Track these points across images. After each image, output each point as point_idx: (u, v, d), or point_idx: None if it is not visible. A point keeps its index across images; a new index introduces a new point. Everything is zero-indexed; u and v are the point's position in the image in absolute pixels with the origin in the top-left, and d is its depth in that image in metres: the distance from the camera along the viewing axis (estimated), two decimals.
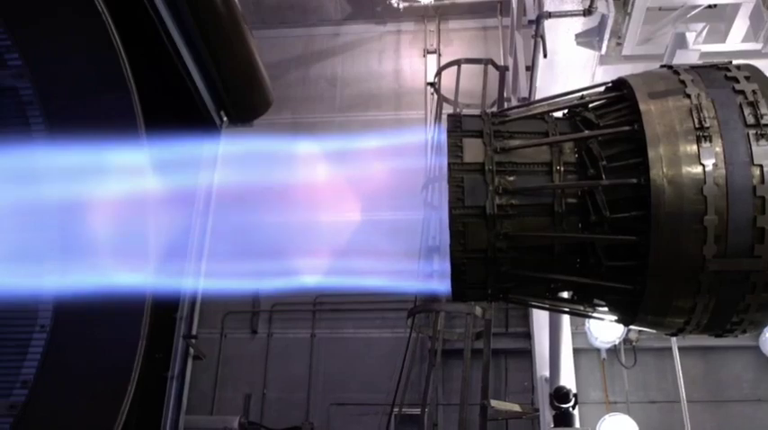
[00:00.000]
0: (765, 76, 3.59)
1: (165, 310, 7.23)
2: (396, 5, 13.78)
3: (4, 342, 6.20)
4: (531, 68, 8.44)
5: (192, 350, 7.48)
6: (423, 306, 9.02)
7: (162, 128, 6.38)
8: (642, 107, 3.48)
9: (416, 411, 9.22)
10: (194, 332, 7.56)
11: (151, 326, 6.14)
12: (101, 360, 6.03)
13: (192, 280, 7.56)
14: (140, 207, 6.16)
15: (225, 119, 8.09)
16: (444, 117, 3.87)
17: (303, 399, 11.56)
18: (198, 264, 7.57)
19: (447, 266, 3.71)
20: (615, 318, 3.88)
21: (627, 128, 3.48)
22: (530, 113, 3.92)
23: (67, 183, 5.99)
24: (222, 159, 8.01)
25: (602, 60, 7.85)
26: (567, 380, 8.63)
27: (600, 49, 7.63)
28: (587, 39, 7.75)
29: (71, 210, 6.02)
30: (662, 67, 3.84)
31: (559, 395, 8.30)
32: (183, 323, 7.44)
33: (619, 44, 7.58)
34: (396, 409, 9.20)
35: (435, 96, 10.75)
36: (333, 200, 11.27)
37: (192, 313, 7.58)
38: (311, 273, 10.73)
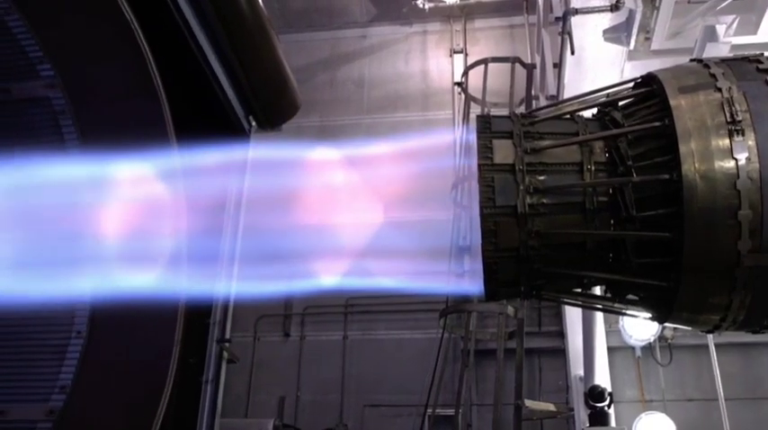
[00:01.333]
0: None
1: (198, 315, 7.29)
2: (421, 6, 13.79)
3: (42, 348, 6.28)
4: (558, 66, 8.40)
5: (225, 354, 7.52)
6: (454, 306, 9.00)
7: (192, 134, 6.43)
8: (672, 102, 3.44)
9: (450, 412, 9.20)
10: (228, 336, 7.60)
11: (185, 331, 6.19)
12: (136, 365, 6.09)
13: (225, 284, 7.60)
14: (172, 213, 6.22)
15: (253, 124, 8.14)
16: (473, 117, 3.86)
17: (337, 401, 11.60)
18: (230, 269, 7.62)
19: (478, 266, 3.70)
20: (649, 315, 3.85)
21: (657, 124, 3.45)
22: (559, 113, 3.90)
23: (101, 190, 6.07)
24: (252, 164, 8.05)
25: (631, 56, 7.78)
26: (602, 378, 8.57)
27: (628, 44, 7.57)
28: (615, 34, 7.69)
29: (105, 217, 6.09)
30: (692, 60, 3.80)
31: (594, 394, 8.24)
32: (216, 327, 7.48)
33: (647, 39, 7.50)
34: (429, 410, 9.19)
35: (463, 96, 10.72)
36: (362, 201, 11.29)
37: (225, 317, 7.62)
38: (342, 276, 10.76)
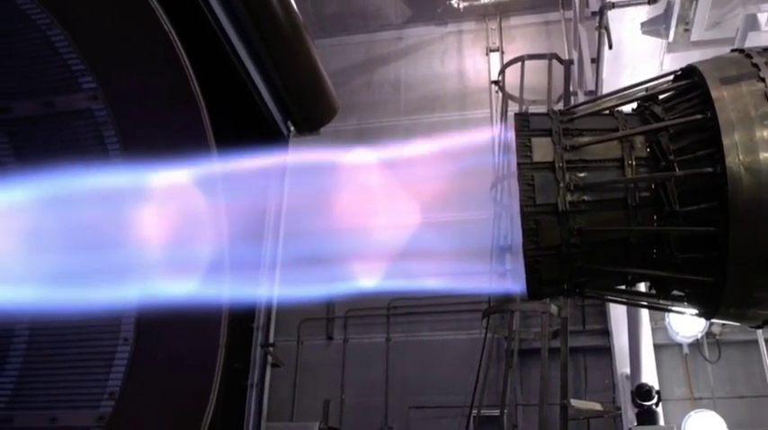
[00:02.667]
0: None
1: (242, 320, 7.35)
2: (456, 6, 13.77)
3: (91, 355, 6.39)
4: (596, 61, 8.31)
5: (270, 358, 7.58)
6: (497, 306, 8.96)
7: (232, 140, 6.50)
8: (714, 94, 3.38)
9: (495, 412, 9.16)
10: (271, 340, 7.66)
11: (229, 336, 6.25)
12: (182, 371, 6.17)
13: (267, 289, 7.66)
14: (214, 219, 6.28)
15: (292, 129, 8.19)
16: (510, 115, 3.85)
17: (381, 404, 11.62)
18: (272, 273, 7.67)
19: (520, 265, 3.68)
20: (696, 311, 3.79)
21: (699, 116, 3.39)
22: (597, 109, 3.86)
23: (144, 199, 6.16)
24: (291, 168, 8.11)
25: (670, 48, 7.68)
26: (649, 376, 8.46)
27: (667, 36, 7.47)
28: (653, 27, 7.59)
29: (149, 225, 6.18)
30: (733, 51, 3.73)
31: (641, 392, 8.13)
32: (260, 332, 7.54)
33: (687, 30, 7.39)
34: (474, 411, 9.16)
35: (500, 94, 10.67)
36: (401, 203, 11.29)
37: (269, 322, 7.67)
38: (384, 278, 10.77)
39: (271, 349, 7.62)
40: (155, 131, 6.29)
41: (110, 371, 6.24)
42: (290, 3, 7.19)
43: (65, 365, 6.46)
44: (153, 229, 6.17)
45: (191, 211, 6.24)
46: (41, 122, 6.52)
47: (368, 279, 10.87)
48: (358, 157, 11.48)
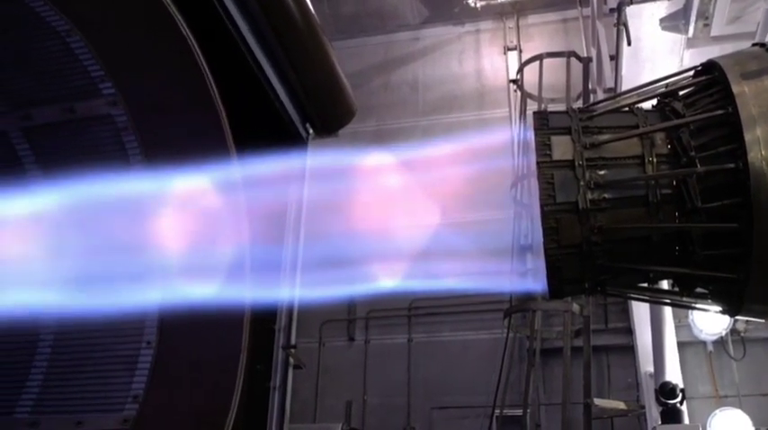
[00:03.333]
0: None
1: (263, 322, 7.37)
2: (473, 5, 13.75)
3: (115, 358, 6.43)
4: (615, 58, 8.27)
5: (292, 360, 7.60)
6: (519, 305, 8.94)
7: (250, 143, 6.52)
8: (735, 89, 3.35)
9: (518, 412, 9.13)
10: (293, 342, 7.67)
11: (251, 338, 6.27)
12: (204, 373, 6.19)
13: (288, 290, 7.68)
14: (234, 222, 6.31)
15: (311, 131, 8.21)
16: (529, 114, 3.84)
17: (404, 404, 11.62)
18: (293, 275, 7.69)
19: (541, 264, 3.67)
20: (719, 308, 3.76)
21: (720, 112, 3.36)
22: (617, 106, 3.84)
23: (165, 203, 6.20)
24: (310, 170, 8.13)
25: (690, 43, 7.63)
26: (673, 374, 8.40)
27: (687, 32, 7.42)
28: (673, 22, 7.55)
29: (170, 229, 6.21)
30: (754, 45, 3.70)
31: (665, 391, 8.07)
32: (281, 334, 7.56)
33: (706, 25, 7.34)
34: (497, 411, 9.13)
35: (518, 93, 10.64)
36: (420, 204, 11.29)
37: (290, 323, 7.69)
38: (405, 279, 10.77)
39: (293, 351, 7.63)
40: (174, 135, 6.33)
41: (133, 374, 6.28)
42: (306, 5, 7.20)
43: (89, 369, 6.51)
44: (174, 233, 6.21)
45: (211, 214, 6.27)
46: (62, 129, 6.57)
47: (389, 280, 10.87)
48: (377, 159, 11.49)
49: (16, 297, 5.67)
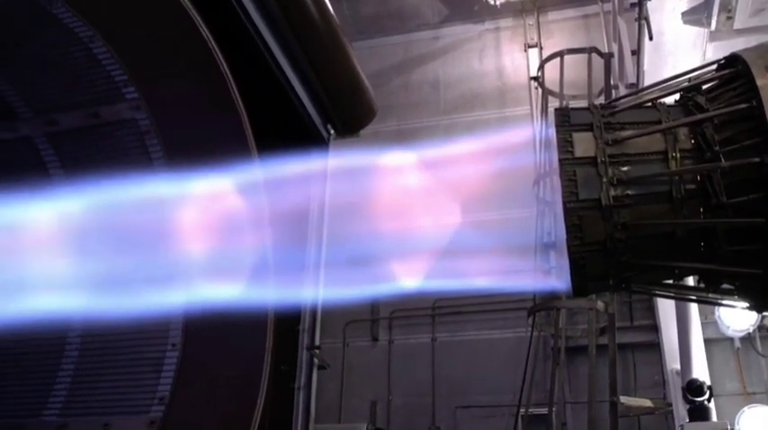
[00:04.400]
0: None
1: (287, 323, 7.40)
2: (493, 3, 13.71)
3: (141, 360, 6.48)
4: (637, 53, 8.21)
5: (316, 360, 7.62)
6: (542, 304, 8.89)
7: (272, 145, 6.55)
8: (759, 82, 3.32)
9: (544, 411, 9.09)
10: (317, 343, 7.70)
11: (275, 339, 6.29)
12: (229, 375, 6.22)
13: (312, 291, 7.70)
14: (257, 224, 6.33)
15: (332, 132, 8.23)
16: (551, 111, 3.81)
17: (428, 404, 11.60)
18: (316, 276, 7.71)
19: (564, 262, 3.65)
20: (746, 304, 3.72)
21: (744, 106, 3.33)
22: (639, 102, 3.81)
23: (189, 205, 6.24)
24: (332, 171, 8.15)
25: (713, 37, 7.55)
26: (700, 372, 8.32)
27: (709, 25, 7.35)
28: (695, 16, 7.48)
29: (193, 231, 6.25)
30: None
31: (693, 388, 8.00)
32: (305, 334, 7.59)
33: (729, 18, 7.26)
34: (522, 410, 9.09)
35: (540, 90, 10.58)
36: (443, 203, 11.27)
37: (314, 324, 7.71)
38: (428, 278, 10.76)
39: (317, 351, 7.65)
40: (196, 138, 6.37)
41: (159, 376, 6.32)
42: (326, 6, 7.22)
43: (115, 371, 6.57)
44: (198, 235, 6.25)
45: (234, 216, 6.30)
46: (86, 133, 6.63)
47: (412, 279, 10.86)
48: (398, 158, 11.48)
49: (43, 300, 5.73)
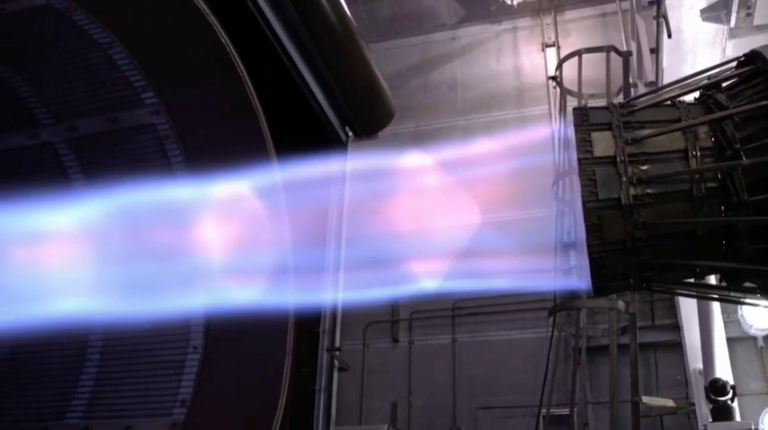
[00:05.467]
0: None
1: (308, 325, 7.42)
2: (510, 2, 13.66)
3: (162, 363, 6.54)
4: (655, 51, 8.16)
5: (336, 362, 7.63)
6: (563, 304, 8.84)
7: (291, 148, 6.58)
8: None
9: (565, 411, 9.04)
10: (337, 344, 7.71)
11: (296, 341, 6.31)
12: (250, 377, 6.26)
13: (332, 293, 7.72)
14: (277, 226, 6.36)
15: (350, 134, 8.25)
16: (569, 110, 3.79)
17: (449, 405, 11.57)
18: (336, 278, 7.73)
19: (585, 261, 3.63)
20: None
21: (764, 103, 3.30)
22: (659, 100, 3.79)
23: (209, 209, 6.27)
24: (351, 173, 8.17)
25: (732, 33, 7.48)
26: (723, 371, 8.24)
27: (728, 22, 7.29)
28: (713, 13, 7.42)
29: (214, 235, 6.29)
30: None
31: (715, 387, 7.93)
32: (326, 336, 7.60)
33: (749, 14, 7.20)
34: (543, 410, 9.05)
35: (558, 90, 10.53)
36: (462, 203, 11.25)
37: (335, 326, 7.73)
38: (447, 279, 10.75)
39: (337, 353, 7.67)
40: (215, 142, 6.41)
41: (180, 379, 6.37)
42: (343, 9, 7.24)
43: (138, 374, 6.62)
44: (218, 239, 6.28)
45: (254, 219, 6.33)
46: (107, 139, 6.70)
47: (431, 280, 10.85)
48: (417, 159, 11.48)
49: (65, 305, 5.78)
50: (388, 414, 11.30)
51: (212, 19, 5.93)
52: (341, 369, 7.81)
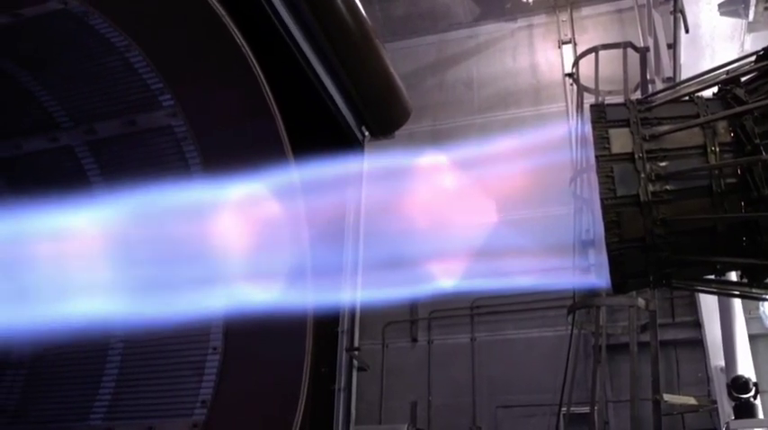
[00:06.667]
0: None
1: (326, 325, 7.44)
2: (525, 0, 13.61)
3: (183, 365, 6.57)
4: (673, 46, 8.11)
5: (355, 362, 7.64)
6: (582, 302, 8.80)
7: (308, 148, 6.59)
8: None
9: (585, 410, 9.01)
10: (356, 344, 7.72)
11: (315, 341, 6.33)
12: (270, 377, 6.28)
13: (350, 293, 7.73)
14: (295, 227, 6.37)
15: (367, 134, 8.26)
16: (587, 107, 3.78)
17: (469, 404, 11.57)
18: (354, 278, 7.74)
19: (604, 259, 3.62)
20: None
21: None
22: (676, 96, 3.76)
23: (227, 210, 6.30)
24: (368, 172, 8.17)
25: (751, 27, 7.43)
26: (745, 368, 8.18)
27: (746, 16, 7.23)
28: (731, 7, 7.37)
29: (232, 236, 6.31)
30: None
31: (738, 385, 7.87)
32: (345, 336, 7.61)
33: (767, 8, 7.14)
34: (564, 409, 9.02)
35: (575, 87, 10.49)
36: (479, 202, 11.23)
37: (353, 326, 7.74)
38: (466, 278, 10.73)
39: (356, 353, 7.67)
40: (233, 143, 6.43)
41: (201, 379, 6.40)
42: (358, 9, 7.25)
43: (159, 375, 6.66)
44: (236, 239, 6.30)
45: (271, 220, 6.35)
46: (125, 141, 6.74)
47: (450, 279, 10.84)
48: (434, 158, 11.47)
49: (86, 306, 5.82)
50: (407, 413, 11.29)
51: (228, 20, 5.95)
52: (360, 369, 7.82)
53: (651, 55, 10.06)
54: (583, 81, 10.15)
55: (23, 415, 6.98)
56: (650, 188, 3.41)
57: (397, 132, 8.71)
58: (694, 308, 10.48)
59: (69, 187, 6.78)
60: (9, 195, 7.13)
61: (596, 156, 3.53)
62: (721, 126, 3.49)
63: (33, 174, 7.08)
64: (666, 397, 7.94)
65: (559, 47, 13.76)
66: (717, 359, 8.81)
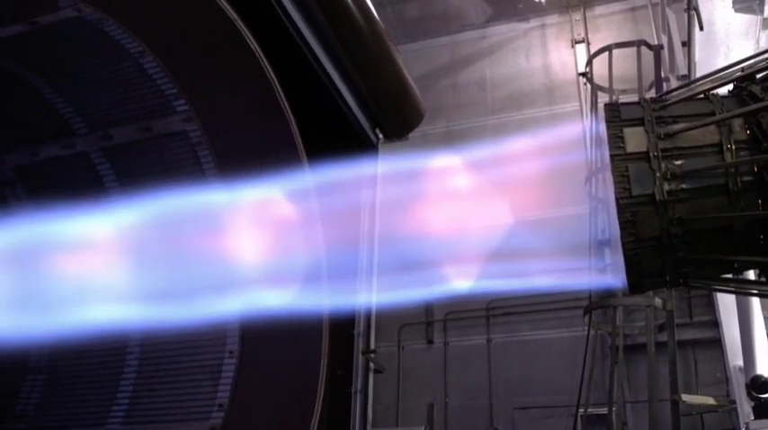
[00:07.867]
0: None
1: (342, 328, 7.45)
2: (537, 0, 13.58)
3: (199, 368, 6.59)
4: (687, 44, 8.06)
5: (372, 364, 7.64)
6: (599, 302, 8.75)
7: (322, 151, 6.60)
8: None
9: (603, 411, 8.96)
10: (372, 347, 7.73)
11: (331, 343, 6.33)
12: (286, 380, 6.29)
13: (366, 295, 7.73)
14: (310, 230, 6.38)
15: (380, 136, 8.27)
16: (601, 107, 3.76)
17: (485, 406, 11.54)
18: (369, 280, 7.75)
19: (619, 259, 3.60)
20: None
21: None
22: (691, 94, 3.74)
23: (242, 214, 6.32)
24: (382, 174, 8.18)
25: (766, 24, 7.38)
26: (764, 367, 8.10)
27: (762, 12, 7.19)
28: (746, 3, 7.33)
29: (247, 240, 6.33)
30: None
31: (757, 385, 7.79)
32: (360, 339, 7.62)
33: None
34: (581, 410, 8.98)
35: (589, 86, 10.44)
36: (494, 203, 11.21)
37: (369, 328, 7.74)
38: (481, 279, 10.71)
39: (372, 355, 7.68)
40: (247, 147, 6.45)
41: (218, 383, 6.42)
42: (371, 12, 7.26)
43: (175, 379, 6.69)
44: (251, 243, 6.32)
45: (286, 223, 6.36)
46: (140, 147, 6.78)
47: (465, 281, 10.83)
48: (448, 160, 11.46)
49: (103, 312, 5.85)
50: (424, 415, 11.28)
51: (241, 25, 5.97)
52: (376, 371, 7.82)
53: (665, 53, 10.00)
54: (597, 80, 10.10)
55: (43, 420, 7.02)
56: (666, 187, 3.39)
57: (410, 134, 8.71)
58: (712, 307, 10.40)
59: (85, 193, 6.82)
60: (26, 202, 7.19)
61: (611, 156, 3.51)
62: (737, 123, 3.47)
63: (49, 180, 7.13)
64: (685, 397, 7.88)
65: (572, 46, 13.73)
66: (735, 359, 8.73)
